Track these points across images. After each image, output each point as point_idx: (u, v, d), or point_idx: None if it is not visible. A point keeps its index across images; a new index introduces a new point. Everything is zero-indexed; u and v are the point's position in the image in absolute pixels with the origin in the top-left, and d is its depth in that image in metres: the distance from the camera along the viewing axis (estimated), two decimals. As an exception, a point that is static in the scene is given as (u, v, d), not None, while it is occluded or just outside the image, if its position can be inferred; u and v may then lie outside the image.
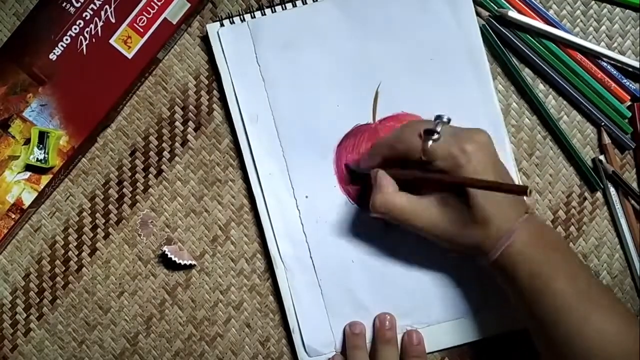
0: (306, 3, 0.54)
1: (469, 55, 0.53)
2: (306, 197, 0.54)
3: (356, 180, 0.54)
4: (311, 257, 0.54)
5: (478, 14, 0.54)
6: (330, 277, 0.54)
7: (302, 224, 0.54)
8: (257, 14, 0.54)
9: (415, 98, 0.53)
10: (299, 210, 0.54)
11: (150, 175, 0.56)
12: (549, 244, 0.45)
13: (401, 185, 0.47)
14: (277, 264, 0.54)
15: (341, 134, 0.54)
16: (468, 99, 0.53)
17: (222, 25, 0.54)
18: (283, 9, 0.54)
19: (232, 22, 0.54)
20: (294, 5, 0.54)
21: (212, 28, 0.54)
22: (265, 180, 0.54)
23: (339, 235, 0.54)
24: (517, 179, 0.53)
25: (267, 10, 0.54)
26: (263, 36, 0.54)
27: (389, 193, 0.46)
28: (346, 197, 0.54)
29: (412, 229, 0.47)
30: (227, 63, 0.54)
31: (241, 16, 0.54)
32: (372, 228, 0.54)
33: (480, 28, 0.54)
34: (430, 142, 0.44)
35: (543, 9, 0.54)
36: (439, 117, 0.46)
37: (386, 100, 0.54)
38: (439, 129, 0.44)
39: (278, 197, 0.54)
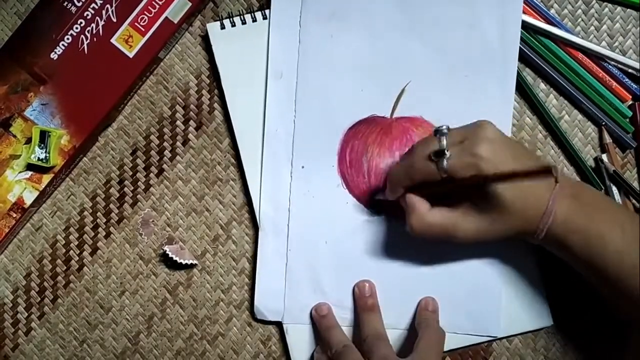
0: None
1: (500, 80, 0.52)
2: (302, 167, 0.54)
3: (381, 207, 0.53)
4: (288, 225, 0.53)
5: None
6: (299, 250, 0.53)
7: (290, 191, 0.53)
8: (258, 14, 0.54)
9: (438, 107, 0.52)
10: (291, 177, 0.54)
11: (152, 175, 0.56)
12: (588, 204, 0.45)
13: (431, 202, 0.47)
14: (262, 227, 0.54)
15: (356, 118, 0.53)
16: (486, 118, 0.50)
17: (222, 26, 0.54)
18: None
19: (233, 23, 0.54)
20: None
21: (213, 28, 0.54)
22: (269, 139, 0.53)
23: (321, 214, 0.53)
24: None
25: None
26: (313, 1, 0.53)
27: (424, 213, 0.46)
28: (341, 179, 0.54)
29: (455, 240, 0.46)
30: (226, 64, 0.54)
31: (242, 16, 0.54)
32: (355, 217, 0.53)
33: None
34: (445, 162, 0.44)
35: (544, 8, 0.54)
36: (438, 132, 0.45)
37: (409, 101, 0.53)
38: (445, 146, 0.44)
39: (276, 158, 0.53)
